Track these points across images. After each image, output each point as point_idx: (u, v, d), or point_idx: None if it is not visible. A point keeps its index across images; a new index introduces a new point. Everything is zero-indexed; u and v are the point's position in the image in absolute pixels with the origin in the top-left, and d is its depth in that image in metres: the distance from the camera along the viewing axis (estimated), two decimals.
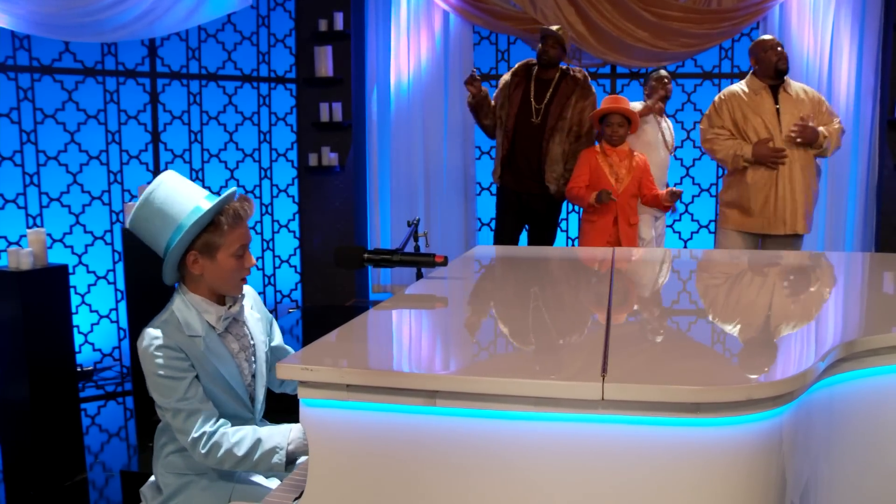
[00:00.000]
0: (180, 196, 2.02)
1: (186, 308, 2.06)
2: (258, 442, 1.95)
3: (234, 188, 2.09)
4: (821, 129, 4.32)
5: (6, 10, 4.36)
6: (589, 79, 4.92)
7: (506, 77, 5.02)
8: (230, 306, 2.12)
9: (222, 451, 1.93)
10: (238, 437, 1.95)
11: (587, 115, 4.79)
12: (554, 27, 4.88)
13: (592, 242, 4.50)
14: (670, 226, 6.40)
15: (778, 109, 4.34)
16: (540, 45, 4.88)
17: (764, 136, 4.31)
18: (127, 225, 2.68)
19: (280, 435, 1.97)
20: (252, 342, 2.18)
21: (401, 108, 6.32)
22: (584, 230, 4.63)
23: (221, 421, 1.98)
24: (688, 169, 6.30)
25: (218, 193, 2.11)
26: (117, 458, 4.00)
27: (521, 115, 4.86)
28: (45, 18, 4.56)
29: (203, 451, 1.93)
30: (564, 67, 4.91)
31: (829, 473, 1.80)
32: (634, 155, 4.56)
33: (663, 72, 5.09)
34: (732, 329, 2.09)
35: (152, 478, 2.18)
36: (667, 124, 5.07)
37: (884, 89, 5.82)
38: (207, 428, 1.94)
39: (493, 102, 4.98)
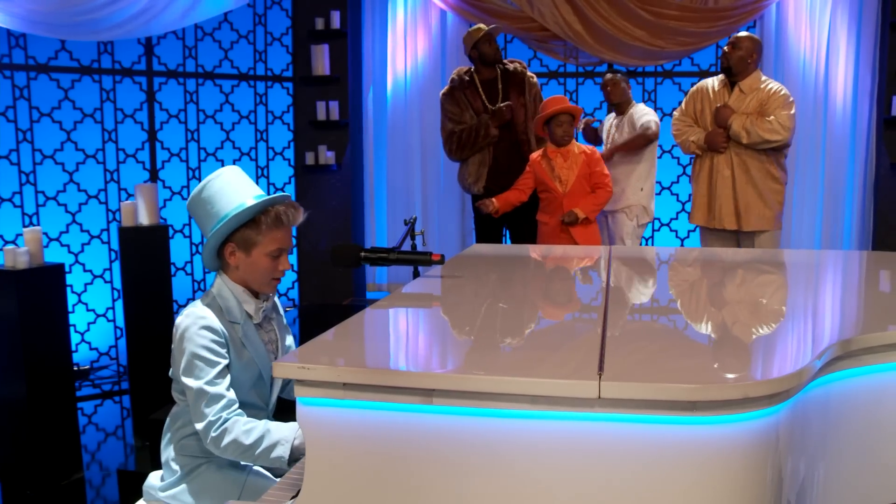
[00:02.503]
0: (232, 190, 2.10)
1: (228, 294, 2.12)
2: (266, 433, 1.98)
3: (286, 193, 2.13)
4: (735, 116, 4.31)
5: (2, 9, 4.35)
6: (526, 66, 5.01)
7: (445, 91, 4.99)
8: (265, 300, 2.18)
9: (231, 437, 1.96)
10: (249, 426, 1.98)
11: (541, 98, 4.85)
12: (478, 27, 4.89)
13: (547, 242, 4.45)
14: (666, 224, 6.40)
15: (725, 104, 4.40)
16: (473, 49, 4.87)
17: (706, 129, 4.43)
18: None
19: (287, 429, 2.00)
20: (277, 338, 2.24)
21: (398, 106, 6.32)
22: (539, 230, 4.60)
23: (238, 410, 2.02)
24: (684, 168, 6.31)
25: None
26: (114, 457, 4.00)
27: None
28: (41, 17, 4.54)
29: (214, 435, 1.96)
30: (501, 66, 4.94)
31: (825, 471, 1.80)
32: (581, 150, 4.46)
33: (607, 76, 5.11)
34: (729, 327, 2.09)
35: (154, 472, 2.20)
36: (616, 121, 5.09)
37: (880, 88, 5.82)
38: (224, 414, 1.98)
39: (452, 126, 4.94)
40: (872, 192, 5.95)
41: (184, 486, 2.09)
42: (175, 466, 2.12)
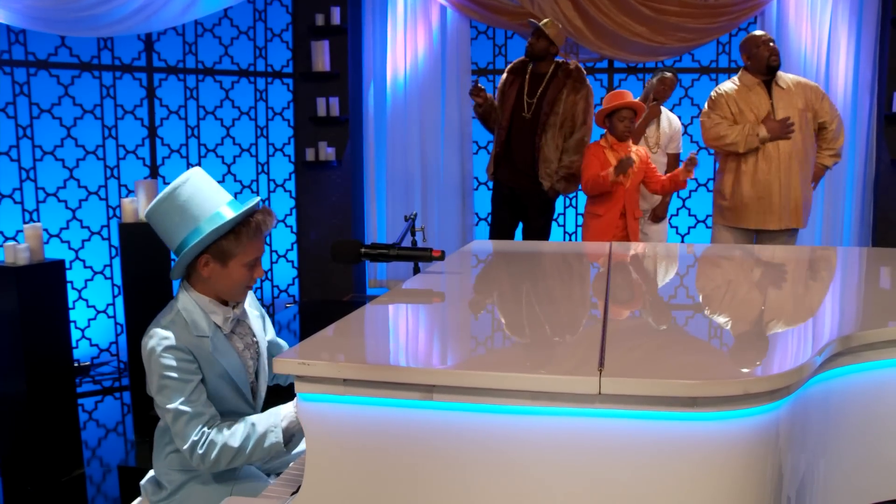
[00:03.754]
0: (204, 197, 2.00)
1: (193, 308, 2.04)
2: (251, 428, 1.94)
3: (257, 199, 2.07)
4: (821, 163, 4.47)
5: (2, 5, 4.35)
6: (583, 72, 4.88)
7: (504, 75, 5.02)
8: (234, 307, 2.12)
9: (218, 447, 1.91)
10: (231, 429, 1.94)
11: (580, 109, 4.76)
12: (543, 21, 4.85)
13: (599, 237, 4.42)
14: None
15: (773, 105, 4.35)
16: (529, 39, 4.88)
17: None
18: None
19: (271, 415, 1.97)
20: (255, 339, 2.19)
21: (398, 102, 6.31)
22: (588, 225, 4.54)
23: (219, 423, 1.97)
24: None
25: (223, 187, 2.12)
26: (115, 453, 4.00)
27: (516, 110, 4.85)
28: (41, 13, 4.54)
29: (200, 453, 1.91)
30: (560, 61, 4.90)
31: (825, 467, 1.81)
32: (637, 148, 4.53)
33: (668, 74, 5.12)
34: (729, 323, 2.09)
35: (151, 472, 2.18)
36: (656, 124, 5.10)
37: (881, 84, 5.81)
38: (206, 429, 1.93)
39: (495, 104, 4.97)
40: (872, 188, 5.95)
41: (173, 499, 2.07)
42: (164, 482, 2.09)
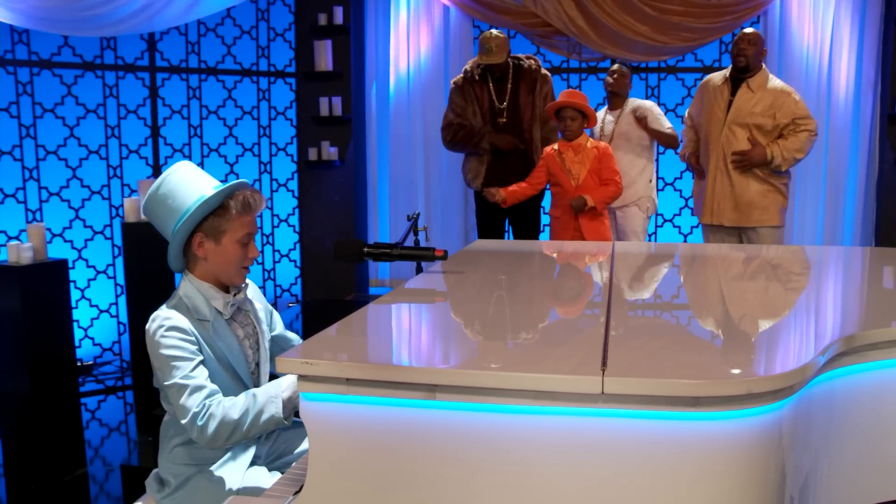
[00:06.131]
0: (189, 185, 2.07)
1: (195, 294, 2.09)
2: (252, 398, 1.93)
3: (243, 179, 2.13)
4: (769, 148, 4.31)
5: (5, 5, 4.35)
6: (540, 62, 4.97)
7: (457, 80, 4.96)
8: (235, 294, 2.15)
9: (218, 419, 1.91)
10: (231, 401, 1.94)
11: (550, 98, 4.83)
12: (487, 45, 4.72)
13: (558, 237, 4.49)
14: (670, 220, 6.40)
15: (731, 101, 4.42)
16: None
17: (709, 126, 4.48)
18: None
19: (273, 386, 1.96)
20: (256, 330, 2.21)
21: (400, 102, 6.31)
22: (550, 225, 4.63)
23: (220, 396, 1.97)
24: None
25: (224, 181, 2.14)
26: (117, 452, 4.00)
27: (493, 119, 4.87)
28: (44, 12, 4.54)
29: (200, 425, 1.91)
30: (514, 58, 4.90)
31: (828, 467, 1.80)
32: (594, 146, 4.42)
33: (615, 65, 5.15)
34: (732, 323, 2.09)
35: (156, 470, 2.19)
36: (612, 117, 5.09)
37: (884, 84, 5.81)
38: (206, 401, 1.93)
39: (452, 117, 4.92)
40: (875, 187, 5.94)
41: (179, 493, 2.07)
42: (169, 477, 2.10)
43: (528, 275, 2.90)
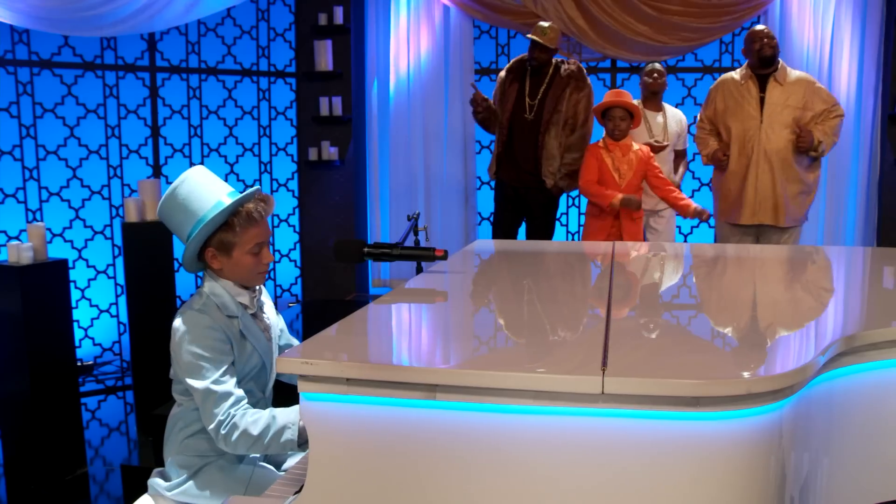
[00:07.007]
0: (203, 191, 2.08)
1: (221, 292, 2.12)
2: (272, 421, 1.98)
3: (257, 187, 2.15)
4: (816, 134, 4.38)
5: (5, 5, 4.35)
6: (584, 71, 4.89)
7: (501, 74, 5.02)
8: (256, 290, 2.20)
9: (239, 431, 1.95)
10: (254, 417, 1.98)
11: (581, 108, 4.79)
12: (543, 26, 4.77)
13: (594, 237, 4.46)
14: None
15: (762, 98, 4.41)
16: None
17: (742, 126, 4.45)
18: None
19: (293, 412, 2.01)
20: (270, 326, 2.25)
21: (401, 102, 6.31)
22: (586, 224, 4.59)
23: (246, 405, 2.01)
24: (688, 163, 6.29)
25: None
26: (118, 452, 4.01)
27: (516, 111, 4.85)
28: (44, 12, 4.54)
29: (223, 433, 1.96)
30: (559, 60, 4.90)
31: (828, 467, 1.80)
32: (637, 148, 4.50)
33: (656, 65, 5.13)
34: (732, 323, 2.09)
35: (158, 469, 2.20)
36: (662, 119, 5.09)
37: (885, 83, 5.81)
38: (232, 410, 1.97)
39: (493, 103, 4.96)
40: (877, 187, 5.94)
41: (191, 483, 2.09)
42: (179, 469, 2.12)
43: (528, 274, 2.90)
